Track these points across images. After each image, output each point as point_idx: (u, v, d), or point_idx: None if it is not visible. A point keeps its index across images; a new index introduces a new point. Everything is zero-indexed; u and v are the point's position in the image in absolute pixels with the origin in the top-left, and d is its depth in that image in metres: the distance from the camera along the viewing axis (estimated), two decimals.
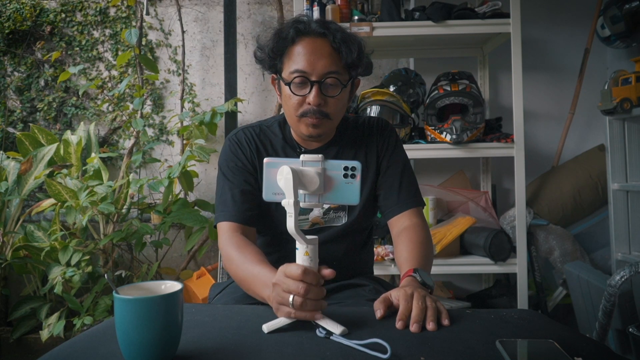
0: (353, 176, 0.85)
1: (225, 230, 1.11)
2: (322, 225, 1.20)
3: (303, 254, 0.82)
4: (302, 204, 0.83)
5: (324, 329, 0.80)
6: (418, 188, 1.23)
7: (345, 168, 0.85)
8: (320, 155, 0.86)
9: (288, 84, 1.10)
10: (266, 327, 0.82)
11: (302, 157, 0.85)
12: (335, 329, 0.79)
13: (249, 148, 1.19)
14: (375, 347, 0.72)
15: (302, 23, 1.11)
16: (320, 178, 0.84)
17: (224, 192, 1.15)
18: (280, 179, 0.82)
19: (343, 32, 1.11)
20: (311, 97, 1.08)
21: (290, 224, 0.80)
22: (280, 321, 0.82)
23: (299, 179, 0.82)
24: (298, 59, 1.09)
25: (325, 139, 1.21)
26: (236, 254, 1.05)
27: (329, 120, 1.12)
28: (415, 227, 1.14)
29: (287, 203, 0.81)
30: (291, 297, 0.79)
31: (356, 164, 0.86)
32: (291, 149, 1.21)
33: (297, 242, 0.82)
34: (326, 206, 1.20)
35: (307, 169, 0.84)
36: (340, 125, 1.23)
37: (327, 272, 0.82)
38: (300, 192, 0.85)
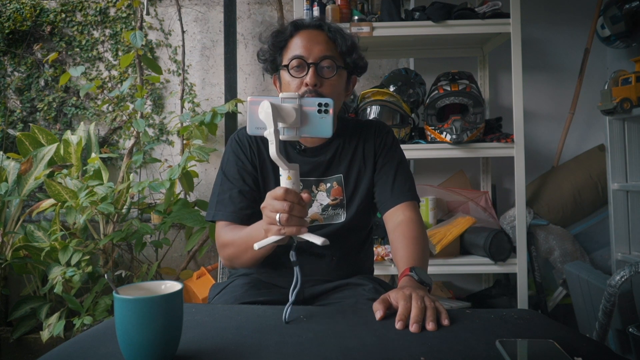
0: (326, 112, 0.92)
1: (222, 227, 1.18)
2: (321, 222, 1.22)
3: (286, 178, 0.90)
4: (281, 137, 0.91)
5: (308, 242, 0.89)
6: (413, 184, 1.25)
7: (320, 104, 0.92)
8: (296, 93, 0.93)
9: (286, 66, 1.18)
10: (257, 245, 0.91)
11: (280, 95, 0.92)
12: (317, 240, 0.88)
13: (250, 147, 1.23)
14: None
15: (299, 20, 1.23)
16: (297, 113, 0.92)
17: (223, 191, 1.21)
18: (261, 112, 0.90)
19: (337, 25, 1.23)
20: (308, 78, 1.15)
21: (272, 151, 0.88)
22: (270, 239, 0.91)
23: (277, 112, 0.90)
24: (296, 47, 1.18)
25: None
26: (230, 234, 1.15)
27: None
28: (409, 221, 1.16)
29: (268, 132, 0.88)
30: (277, 215, 0.87)
31: (329, 100, 0.92)
32: (291, 147, 1.24)
33: (280, 168, 0.91)
34: (325, 203, 1.22)
35: (285, 105, 0.92)
36: (341, 125, 1.27)
37: (305, 195, 0.90)
38: (280, 126, 0.92)
